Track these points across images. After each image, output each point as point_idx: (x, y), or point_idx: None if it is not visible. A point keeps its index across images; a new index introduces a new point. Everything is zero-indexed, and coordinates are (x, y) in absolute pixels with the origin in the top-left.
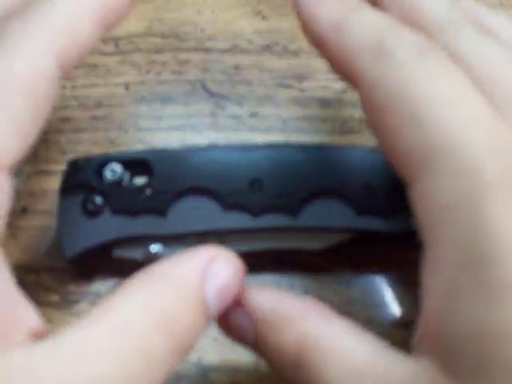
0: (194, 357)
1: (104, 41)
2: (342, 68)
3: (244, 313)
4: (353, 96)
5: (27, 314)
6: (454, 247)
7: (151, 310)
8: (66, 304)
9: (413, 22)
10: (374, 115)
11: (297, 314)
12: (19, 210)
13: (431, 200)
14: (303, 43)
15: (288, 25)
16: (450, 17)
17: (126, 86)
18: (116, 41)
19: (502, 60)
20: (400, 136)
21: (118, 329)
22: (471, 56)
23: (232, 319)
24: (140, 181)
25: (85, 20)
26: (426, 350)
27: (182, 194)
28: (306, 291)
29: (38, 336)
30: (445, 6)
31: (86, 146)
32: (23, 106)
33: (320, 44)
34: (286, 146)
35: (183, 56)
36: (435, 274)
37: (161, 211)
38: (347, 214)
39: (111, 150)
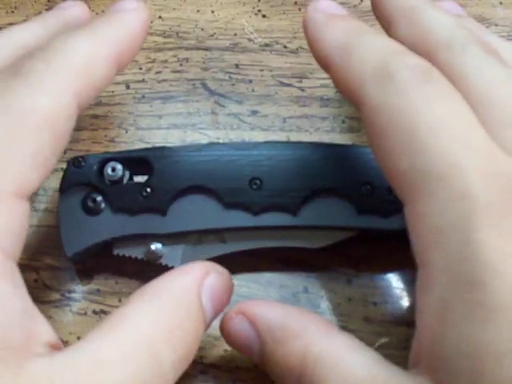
0: (195, 354)
1: None
2: (346, 90)
3: (250, 325)
4: None
5: (44, 327)
6: (444, 268)
7: (159, 321)
8: (67, 302)
9: (420, 38)
10: (375, 138)
11: (301, 327)
12: None
13: (424, 222)
14: (303, 42)
15: (288, 23)
16: (456, 34)
17: (127, 85)
18: None
19: (504, 83)
20: (398, 159)
21: (131, 340)
22: (474, 75)
23: (238, 331)
24: (140, 179)
25: (101, 62)
26: (422, 368)
27: (182, 192)
28: (306, 289)
29: (55, 348)
30: (452, 23)
31: (87, 144)
32: (46, 142)
33: (326, 66)
34: (286, 145)
35: (183, 55)
36: (427, 294)
37: (161, 210)
38: (347, 213)
39: (111, 149)
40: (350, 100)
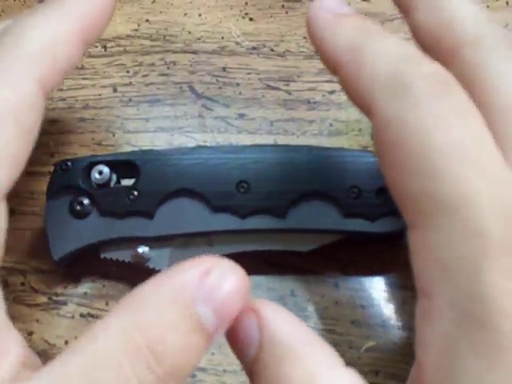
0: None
1: None
2: (355, 97)
3: (257, 326)
4: (340, 98)
5: (14, 345)
6: (451, 304)
7: (131, 336)
8: (54, 305)
9: (443, 28)
10: (384, 151)
11: (308, 353)
12: None
13: (431, 252)
14: (290, 45)
15: (275, 27)
16: (485, 29)
17: (114, 88)
18: (104, 43)
19: None
20: (407, 180)
21: (94, 362)
22: (499, 81)
23: (243, 327)
24: (127, 182)
25: (63, 43)
26: None
27: (169, 195)
28: (293, 293)
29: (27, 367)
30: (480, 16)
31: (74, 147)
32: (12, 135)
33: (334, 69)
34: (274, 148)
35: (171, 58)
36: (431, 326)
37: (148, 213)
38: (334, 216)
39: (98, 152)
40: (357, 106)
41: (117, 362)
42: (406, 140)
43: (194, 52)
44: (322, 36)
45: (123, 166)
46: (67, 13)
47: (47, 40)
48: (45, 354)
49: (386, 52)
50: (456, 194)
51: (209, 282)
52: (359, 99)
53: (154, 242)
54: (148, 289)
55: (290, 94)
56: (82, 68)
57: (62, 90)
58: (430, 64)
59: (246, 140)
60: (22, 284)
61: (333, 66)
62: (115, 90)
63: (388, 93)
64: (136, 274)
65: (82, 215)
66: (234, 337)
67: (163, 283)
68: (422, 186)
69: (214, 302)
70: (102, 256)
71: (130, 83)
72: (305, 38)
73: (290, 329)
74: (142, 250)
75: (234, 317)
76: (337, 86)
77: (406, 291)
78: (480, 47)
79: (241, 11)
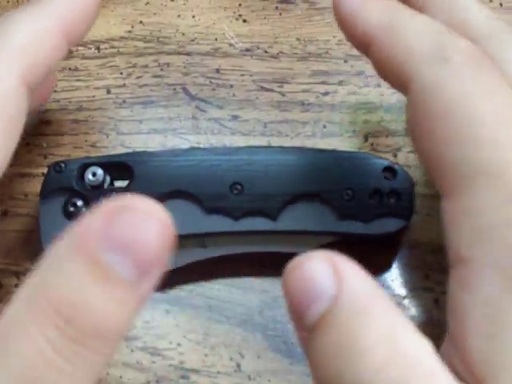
0: (175, 359)
1: (85, 44)
2: (391, 69)
3: (334, 276)
4: (334, 99)
5: None
6: (494, 268)
7: (35, 300)
8: None
9: (460, 30)
10: (422, 122)
11: (385, 312)
12: (0, 213)
13: (470, 219)
14: (284, 47)
15: (269, 28)
16: (495, 26)
17: (107, 90)
18: (97, 44)
19: None
20: (448, 148)
21: (5, 332)
22: (509, 66)
23: (316, 274)
24: (121, 184)
25: (45, 39)
26: (470, 376)
27: (162, 197)
28: None
29: None
30: (490, 16)
31: (67, 149)
32: None
33: (365, 44)
34: (267, 150)
35: (164, 59)
36: (471, 293)
37: None
38: (328, 218)
39: (92, 154)
40: (390, 82)
41: (25, 330)
42: (448, 108)
43: (188, 54)
44: (352, 16)
45: (117, 167)
46: (48, 10)
47: (28, 36)
48: None
49: (421, 27)
50: (498, 161)
51: (118, 226)
52: (394, 74)
53: None
54: (52, 246)
55: (283, 95)
56: (76, 70)
57: (55, 91)
58: (465, 40)
59: (239, 142)
60: (16, 286)
61: (364, 45)
62: (109, 92)
63: (430, 62)
64: None
65: (75, 217)
66: (300, 286)
67: (64, 236)
68: (463, 152)
69: (127, 248)
70: None
71: (124, 85)
72: (298, 39)
73: (368, 286)
74: None
75: (162, 264)
76: (330, 88)
77: (400, 292)
78: (492, 40)
79: (234, 13)
